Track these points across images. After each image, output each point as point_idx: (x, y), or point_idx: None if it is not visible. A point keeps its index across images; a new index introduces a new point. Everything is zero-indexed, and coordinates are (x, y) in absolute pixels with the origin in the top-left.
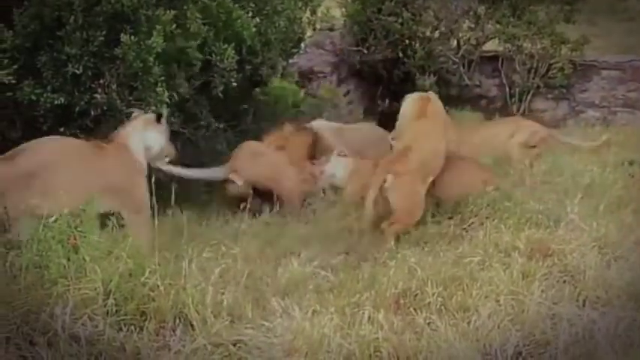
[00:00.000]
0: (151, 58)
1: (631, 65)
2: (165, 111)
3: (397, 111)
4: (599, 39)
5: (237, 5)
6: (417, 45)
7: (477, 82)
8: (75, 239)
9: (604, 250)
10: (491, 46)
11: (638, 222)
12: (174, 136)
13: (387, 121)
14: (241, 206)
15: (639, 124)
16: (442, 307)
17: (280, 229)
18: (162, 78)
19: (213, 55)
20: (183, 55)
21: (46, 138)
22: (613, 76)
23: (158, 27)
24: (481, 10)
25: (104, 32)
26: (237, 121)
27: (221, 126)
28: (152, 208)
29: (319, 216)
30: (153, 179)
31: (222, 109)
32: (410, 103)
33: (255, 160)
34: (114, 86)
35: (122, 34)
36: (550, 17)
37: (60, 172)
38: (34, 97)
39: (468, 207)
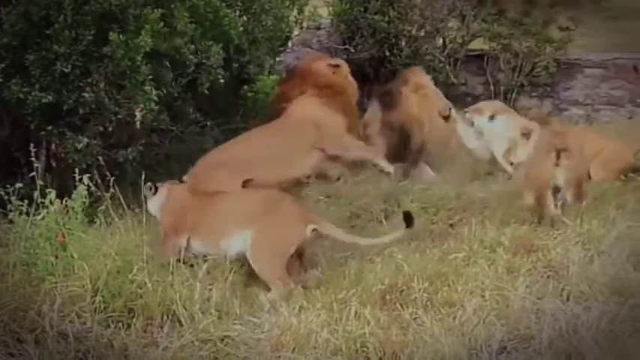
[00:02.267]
0: (139, 57)
1: (614, 63)
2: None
3: None
4: (584, 37)
5: (224, 4)
6: (403, 43)
7: (463, 81)
8: (63, 236)
9: (587, 246)
10: (476, 44)
11: (620, 217)
12: (162, 133)
13: None
14: None
15: (622, 122)
16: (428, 303)
17: None
18: (151, 77)
19: (200, 53)
20: (177, 55)
21: None
22: (597, 74)
23: (146, 26)
24: (467, 9)
25: (93, 31)
26: (224, 118)
27: (208, 123)
28: (140, 205)
29: None
30: (143, 176)
31: (209, 106)
32: None
33: None
34: (102, 85)
35: (110, 33)
36: (534, 19)
37: None
38: (21, 96)
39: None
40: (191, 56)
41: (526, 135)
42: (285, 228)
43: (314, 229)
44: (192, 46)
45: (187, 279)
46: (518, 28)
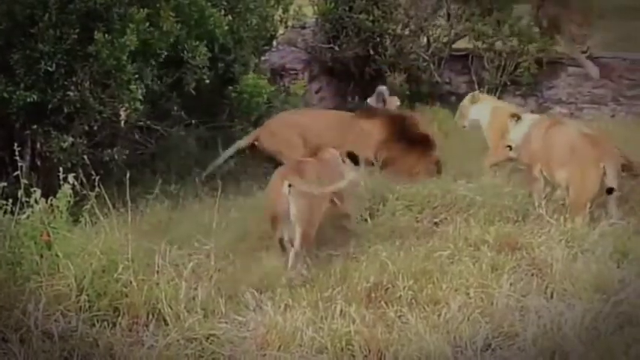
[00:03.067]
0: (124, 56)
1: (597, 62)
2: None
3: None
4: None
5: (209, 3)
6: (388, 42)
7: (447, 80)
8: (48, 235)
9: (570, 244)
10: (461, 43)
11: (603, 216)
12: (147, 132)
13: None
14: None
15: (605, 120)
16: (413, 301)
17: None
18: (136, 76)
19: (185, 53)
20: (152, 50)
21: None
22: (579, 73)
23: (131, 25)
24: (452, 8)
25: (77, 30)
26: (209, 117)
27: (193, 122)
28: (125, 204)
29: None
30: (128, 175)
31: (195, 105)
32: None
33: None
34: (87, 84)
35: (95, 32)
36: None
37: None
38: (6, 95)
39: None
40: (169, 51)
41: (515, 117)
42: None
43: (290, 185)
44: (178, 46)
45: (173, 278)
46: (502, 27)
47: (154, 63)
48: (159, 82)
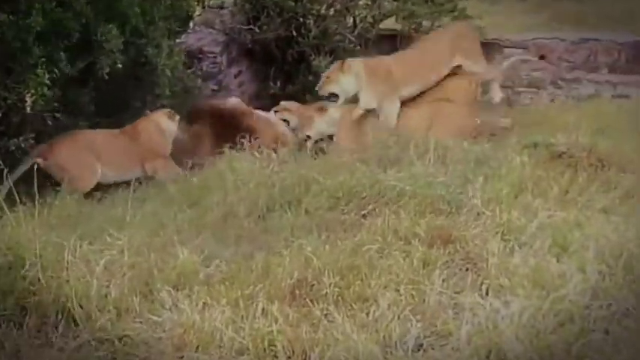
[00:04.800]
0: (30, 38)
1: (535, 44)
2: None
3: (291, 93)
4: (502, 16)
5: None
6: (312, 23)
7: None
8: None
9: (507, 237)
10: (388, 23)
11: (541, 207)
12: (57, 122)
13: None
14: None
15: (544, 105)
16: (339, 298)
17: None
18: (43, 59)
19: (98, 35)
20: (60, 27)
21: None
22: (517, 54)
23: (37, 5)
24: None
25: None
26: (122, 104)
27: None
28: (33, 197)
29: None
30: (36, 167)
31: (107, 90)
32: None
33: None
34: None
35: (0, 13)
36: None
37: None
38: None
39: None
40: (78, 26)
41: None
42: None
43: None
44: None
45: (84, 275)
46: (431, 6)
47: (64, 45)
48: (70, 66)
